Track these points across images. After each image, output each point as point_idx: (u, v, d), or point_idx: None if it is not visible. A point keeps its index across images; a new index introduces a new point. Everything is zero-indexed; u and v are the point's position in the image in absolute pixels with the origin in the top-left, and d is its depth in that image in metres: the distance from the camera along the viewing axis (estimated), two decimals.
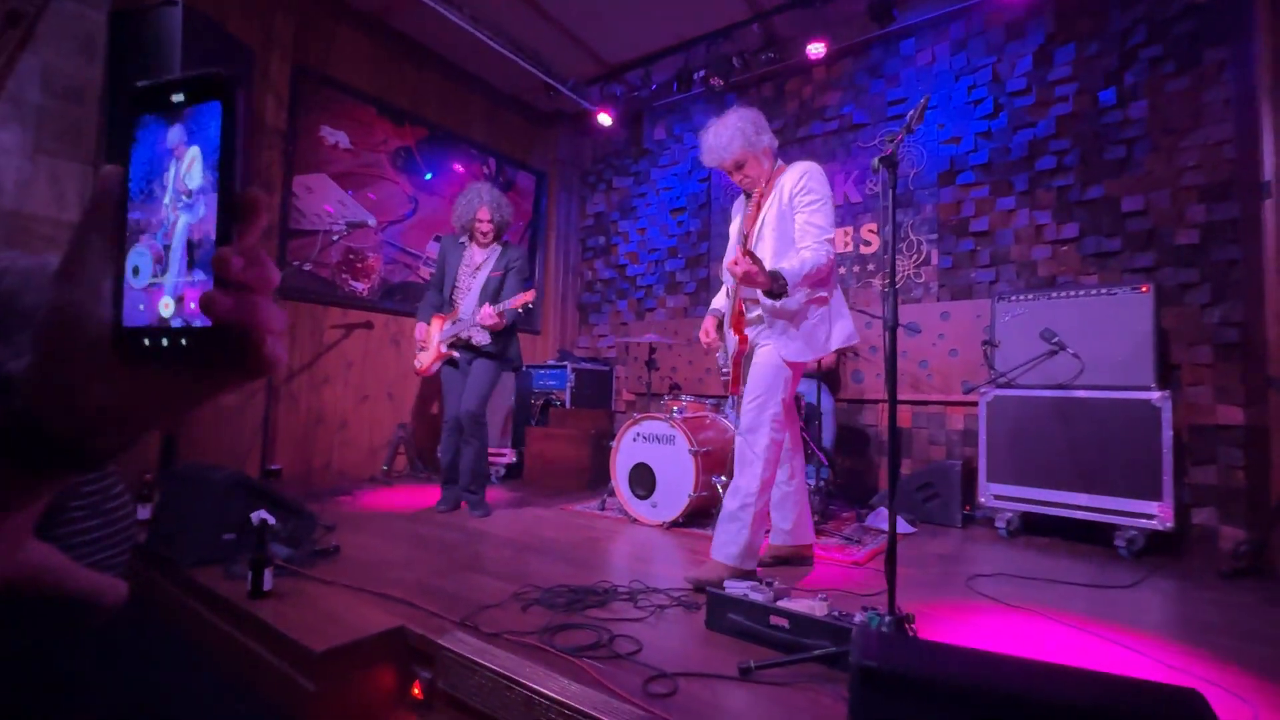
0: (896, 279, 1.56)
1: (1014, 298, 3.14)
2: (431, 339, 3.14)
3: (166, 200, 0.32)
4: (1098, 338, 2.87)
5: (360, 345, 4.20)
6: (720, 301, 2.38)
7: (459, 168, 4.94)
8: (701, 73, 4.38)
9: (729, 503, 2.07)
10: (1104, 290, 2.90)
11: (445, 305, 3.18)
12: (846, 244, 4.23)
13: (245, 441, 3.48)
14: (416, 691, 1.53)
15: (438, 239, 4.78)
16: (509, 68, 4.62)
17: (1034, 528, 3.01)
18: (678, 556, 2.45)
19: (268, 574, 1.75)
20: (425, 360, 3.14)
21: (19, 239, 2.52)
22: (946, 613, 1.87)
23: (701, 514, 3.00)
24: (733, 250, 2.20)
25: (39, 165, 2.58)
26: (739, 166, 2.17)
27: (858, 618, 1.50)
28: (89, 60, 2.70)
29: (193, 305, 0.30)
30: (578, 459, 4.06)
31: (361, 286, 4.25)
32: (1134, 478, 2.66)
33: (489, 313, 2.90)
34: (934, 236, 3.88)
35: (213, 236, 0.31)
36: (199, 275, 0.31)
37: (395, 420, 4.34)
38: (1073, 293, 2.98)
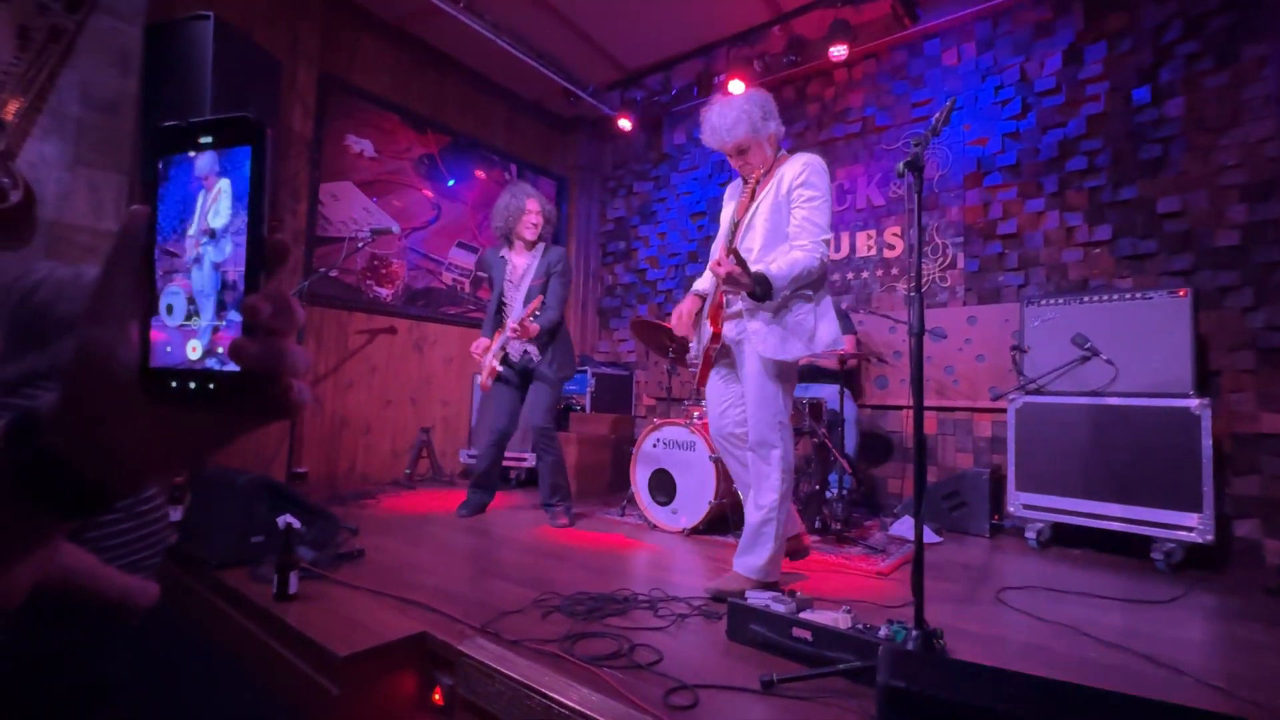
0: (922, 283, 1.53)
1: (1044, 302, 3.07)
2: (487, 355, 3.04)
3: (193, 241, 0.32)
4: (1132, 343, 2.78)
5: (384, 350, 4.26)
6: (704, 284, 2.18)
7: (481, 174, 4.99)
8: (722, 77, 4.37)
9: (752, 517, 2.01)
10: (1139, 294, 2.82)
11: (499, 321, 3.08)
12: (870, 247, 4.17)
13: (272, 444, 3.54)
14: (437, 698, 1.53)
15: (461, 245, 4.84)
16: (529, 74, 4.66)
17: (1065, 539, 2.92)
18: (698, 564, 2.42)
19: (293, 577, 1.77)
20: (482, 376, 3.06)
21: (59, 248, 2.60)
22: (975, 626, 1.82)
23: (722, 521, 2.97)
24: (722, 238, 2.07)
25: (78, 176, 2.66)
26: (741, 151, 2.06)
27: (883, 631, 1.47)
28: (125, 73, 2.79)
29: (221, 349, 0.30)
30: (598, 464, 4.05)
31: (385, 292, 4.31)
32: (1171, 488, 2.57)
33: (512, 325, 2.88)
34: (960, 239, 3.80)
35: (239, 278, 0.30)
36: (226, 318, 0.31)
37: (418, 425, 4.38)
38: (1106, 296, 2.89)
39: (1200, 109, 3.08)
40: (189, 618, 2.02)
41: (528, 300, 2.98)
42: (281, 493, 2.24)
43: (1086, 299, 2.94)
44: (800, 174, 1.99)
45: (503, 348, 3.00)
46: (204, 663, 1.34)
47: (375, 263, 4.25)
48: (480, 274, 4.93)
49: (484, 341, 3.07)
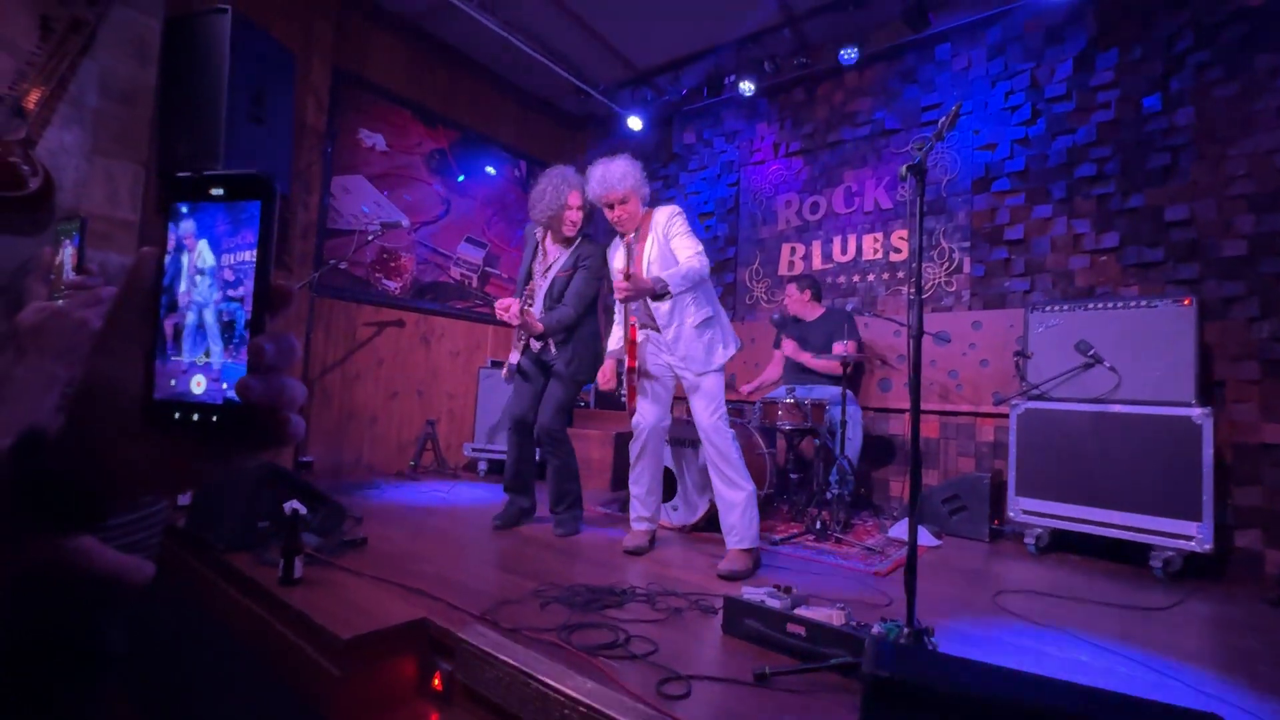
0: (925, 288, 1.55)
1: (1049, 308, 3.07)
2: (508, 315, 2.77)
3: (202, 284, 0.34)
4: (1136, 351, 2.78)
5: (391, 343, 4.30)
6: (614, 344, 2.62)
7: (491, 170, 5.02)
8: (732, 77, 4.39)
9: (733, 497, 2.31)
10: (1144, 302, 2.82)
11: (525, 300, 2.85)
12: (876, 250, 4.18)
13: None
14: (436, 683, 1.56)
15: (469, 240, 4.88)
16: (541, 72, 4.69)
17: (1064, 544, 2.93)
18: (697, 560, 2.45)
19: (298, 562, 1.81)
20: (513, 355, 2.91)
21: None
22: (970, 628, 1.84)
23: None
24: (618, 277, 2.35)
25: (95, 165, 2.71)
26: (622, 202, 2.45)
27: (876, 628, 1.49)
28: (143, 65, 2.83)
29: (225, 385, 0.33)
30: (600, 460, 4.08)
31: (394, 285, 4.35)
32: (1171, 497, 2.57)
33: (514, 314, 2.68)
34: (967, 244, 3.81)
35: (243, 318, 0.33)
36: (230, 356, 0.33)
37: (424, 417, 4.43)
38: (1111, 304, 2.90)
39: (1210, 118, 3.07)
40: (196, 599, 2.06)
41: (551, 292, 2.81)
42: (289, 479, 2.28)
43: (1091, 306, 2.94)
44: (670, 219, 2.44)
45: (523, 339, 2.85)
46: (209, 642, 1.37)
47: (384, 256, 4.29)
48: (488, 268, 4.98)
49: (510, 301, 2.77)
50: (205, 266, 0.34)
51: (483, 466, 4.34)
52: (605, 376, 2.63)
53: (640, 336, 2.48)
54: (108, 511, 0.35)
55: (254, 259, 0.33)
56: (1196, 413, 2.56)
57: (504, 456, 2.98)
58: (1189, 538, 2.51)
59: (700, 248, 2.37)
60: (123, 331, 0.34)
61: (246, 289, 0.33)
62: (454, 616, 1.65)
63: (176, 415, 0.33)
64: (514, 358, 2.89)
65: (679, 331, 2.41)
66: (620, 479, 3.99)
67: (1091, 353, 2.86)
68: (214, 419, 0.33)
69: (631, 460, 2.58)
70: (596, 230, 5.72)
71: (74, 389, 0.33)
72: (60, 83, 2.58)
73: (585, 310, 2.82)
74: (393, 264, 4.35)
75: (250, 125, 3.04)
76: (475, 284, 4.92)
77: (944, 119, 1.60)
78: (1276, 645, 1.86)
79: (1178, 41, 3.19)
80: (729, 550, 2.28)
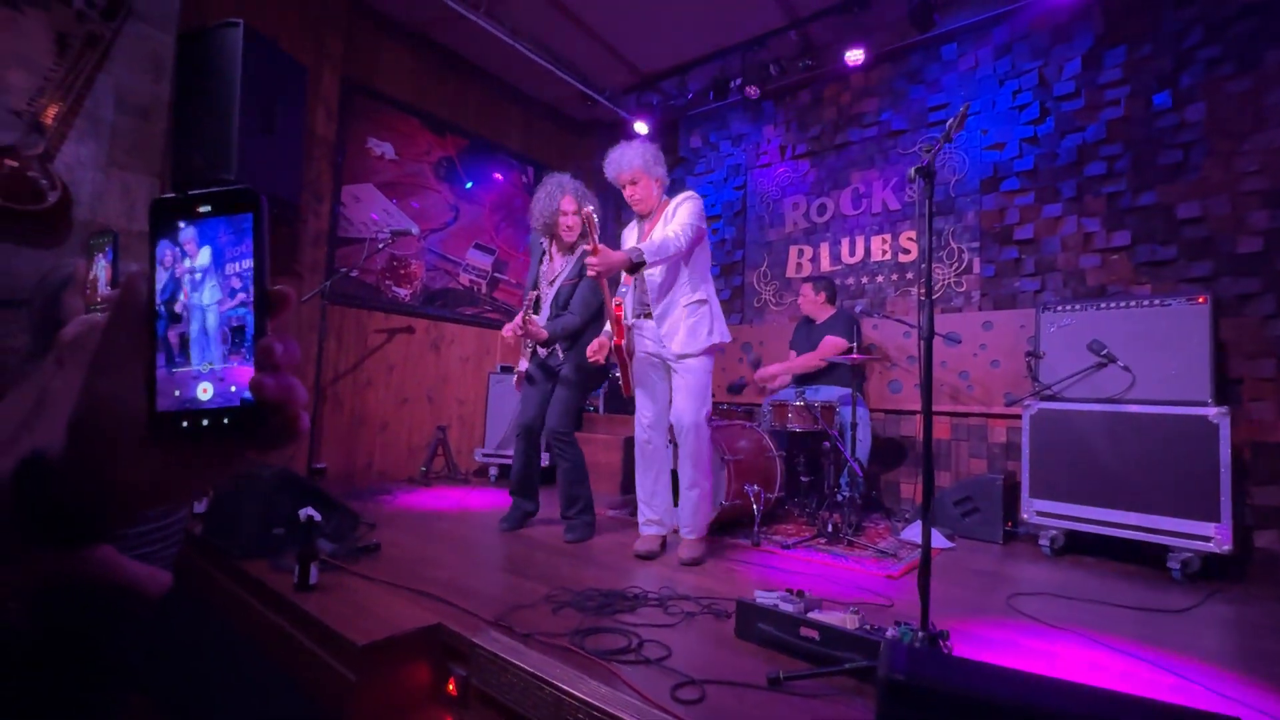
0: (935, 289, 1.54)
1: (1060, 308, 3.05)
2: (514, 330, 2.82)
3: (200, 296, 0.35)
4: (1150, 350, 2.76)
5: (401, 349, 4.33)
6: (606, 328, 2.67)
7: (498, 176, 5.06)
8: (738, 81, 4.39)
9: (694, 494, 2.49)
10: (1157, 301, 2.79)
11: (528, 308, 2.84)
12: (885, 252, 4.17)
13: None
14: (451, 688, 1.57)
15: (478, 246, 4.91)
16: (547, 78, 4.72)
17: (1080, 546, 2.90)
18: (708, 564, 2.45)
19: (313, 568, 1.83)
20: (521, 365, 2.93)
21: None
22: (984, 631, 1.82)
23: (732, 523, 2.99)
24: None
25: (111, 178, 2.76)
26: (633, 182, 2.52)
27: (890, 632, 1.48)
28: (157, 79, 2.88)
29: (234, 387, 0.34)
30: (610, 463, 4.09)
31: (404, 292, 4.38)
32: (1189, 497, 2.54)
33: (515, 323, 2.72)
34: (976, 244, 3.79)
35: (241, 324, 0.34)
36: (237, 359, 0.34)
37: (434, 423, 4.45)
38: (1123, 303, 2.87)
39: (1222, 114, 3.05)
40: (213, 606, 2.09)
41: (556, 300, 2.83)
42: (303, 486, 2.30)
43: (1104, 305, 2.92)
44: (680, 202, 2.51)
45: (530, 346, 2.88)
46: (226, 648, 1.39)
47: (394, 263, 4.33)
48: (496, 274, 5.00)
49: (510, 326, 2.82)
50: (203, 277, 0.35)
51: (493, 472, 4.35)
52: (593, 348, 2.56)
53: (631, 324, 2.57)
54: (114, 530, 0.36)
55: (252, 266, 0.34)
56: (1213, 412, 2.53)
57: (513, 453, 3.00)
58: (1207, 539, 2.48)
59: (689, 225, 2.41)
60: (118, 352, 0.34)
61: (247, 295, 0.34)
62: (467, 622, 1.65)
63: (184, 424, 0.33)
64: (523, 365, 2.91)
65: (667, 309, 2.49)
66: (630, 482, 4.00)
67: (1105, 352, 2.84)
68: (225, 421, 0.33)
69: (636, 462, 2.62)
70: (607, 238, 5.74)
71: (73, 411, 0.33)
72: (77, 98, 2.63)
73: (591, 317, 2.84)
74: (402, 271, 4.38)
75: (262, 136, 3.09)
76: (484, 289, 4.95)
77: (952, 120, 1.60)
78: None
79: (1187, 37, 3.17)
80: (685, 540, 2.49)
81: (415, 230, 4.36)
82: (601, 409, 4.72)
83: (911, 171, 1.49)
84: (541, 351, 2.87)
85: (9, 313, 2.37)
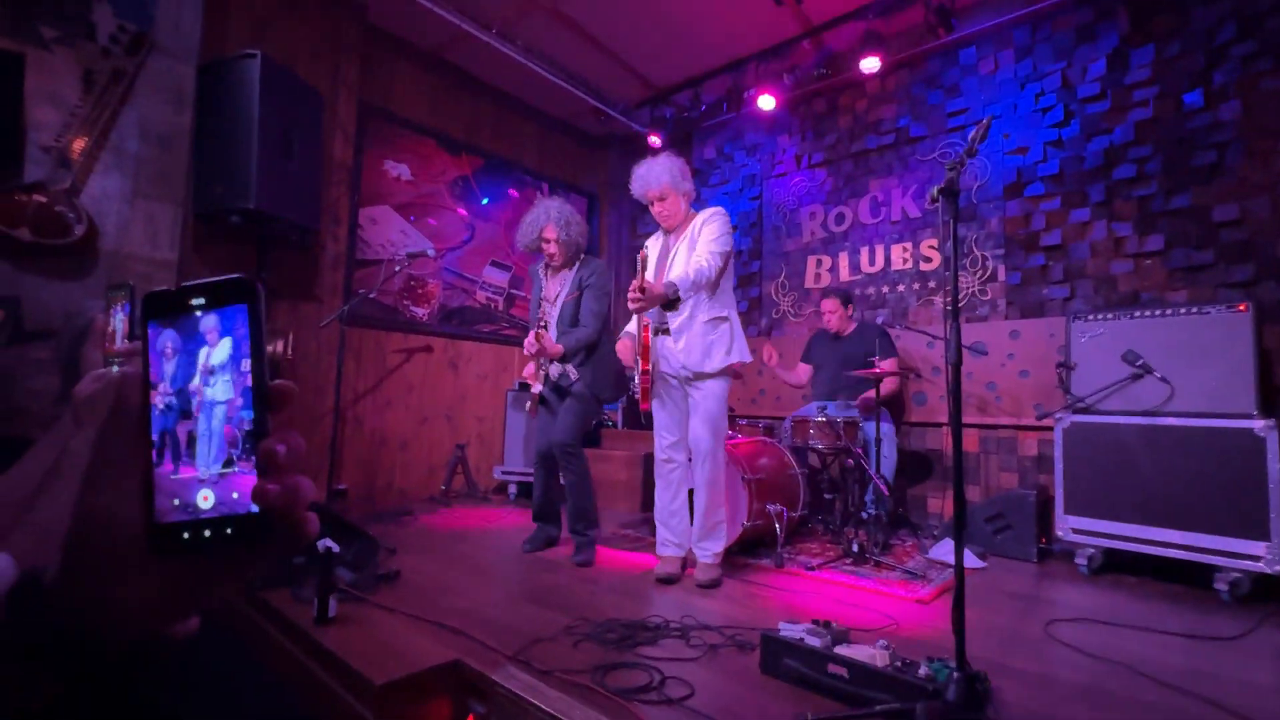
0: (959, 298, 1.48)
1: (1091, 316, 2.95)
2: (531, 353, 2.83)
3: (195, 396, 0.32)
4: (1189, 360, 2.65)
5: (420, 369, 4.35)
6: (631, 325, 2.63)
7: (514, 193, 5.08)
8: (751, 91, 4.36)
9: (717, 515, 2.46)
10: (1195, 309, 2.68)
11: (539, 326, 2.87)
12: (905, 260, 4.08)
13: (314, 462, 3.64)
14: None
15: (494, 264, 4.92)
16: (560, 95, 4.74)
17: (1119, 565, 2.78)
18: (729, 589, 2.39)
19: (332, 601, 1.82)
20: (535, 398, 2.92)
21: (118, 277, 2.74)
22: (1022, 664, 1.74)
23: (754, 544, 2.93)
24: (640, 277, 2.38)
25: (136, 208, 2.81)
26: (661, 198, 2.52)
27: (922, 670, 1.42)
28: (179, 110, 2.94)
29: (236, 494, 0.31)
30: (629, 481, 4.05)
31: (421, 312, 4.41)
32: (1235, 514, 2.42)
33: (529, 342, 2.74)
34: (1000, 251, 3.69)
35: (244, 426, 0.32)
36: (234, 464, 0.32)
37: (453, 441, 4.46)
38: (1159, 311, 2.76)
39: (1258, 112, 2.93)
40: (235, 639, 2.09)
41: (561, 317, 2.85)
42: (322, 513, 2.30)
43: (1138, 314, 2.81)
44: (707, 219, 2.48)
45: (543, 369, 2.87)
46: (248, 686, 1.38)
47: (412, 283, 4.36)
48: (513, 290, 5.02)
49: (532, 335, 2.82)
50: (201, 376, 0.33)
51: (513, 489, 4.34)
52: (625, 352, 2.60)
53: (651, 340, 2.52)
54: (116, 652, 0.33)
55: (249, 364, 0.32)
56: (1259, 424, 2.41)
57: (533, 479, 3.00)
58: (1256, 558, 2.36)
59: (718, 248, 2.39)
60: (112, 461, 0.32)
61: (246, 394, 0.32)
62: (487, 657, 1.63)
63: (185, 535, 0.31)
64: (536, 388, 2.90)
65: (686, 325, 2.45)
66: (649, 500, 3.95)
67: (1140, 363, 2.73)
68: (228, 531, 0.31)
69: (656, 481, 2.60)
70: (621, 250, 5.73)
71: (67, 530, 0.31)
72: (102, 131, 2.69)
73: (603, 327, 2.87)
74: (420, 290, 4.41)
75: (281, 163, 3.13)
76: (501, 306, 4.96)
77: (974, 133, 1.54)
78: None
79: (1219, 33, 3.06)
80: (701, 563, 2.47)
81: (431, 251, 4.37)
82: (620, 424, 4.68)
83: (934, 191, 1.43)
84: (554, 372, 2.87)
85: (36, 347, 2.42)
